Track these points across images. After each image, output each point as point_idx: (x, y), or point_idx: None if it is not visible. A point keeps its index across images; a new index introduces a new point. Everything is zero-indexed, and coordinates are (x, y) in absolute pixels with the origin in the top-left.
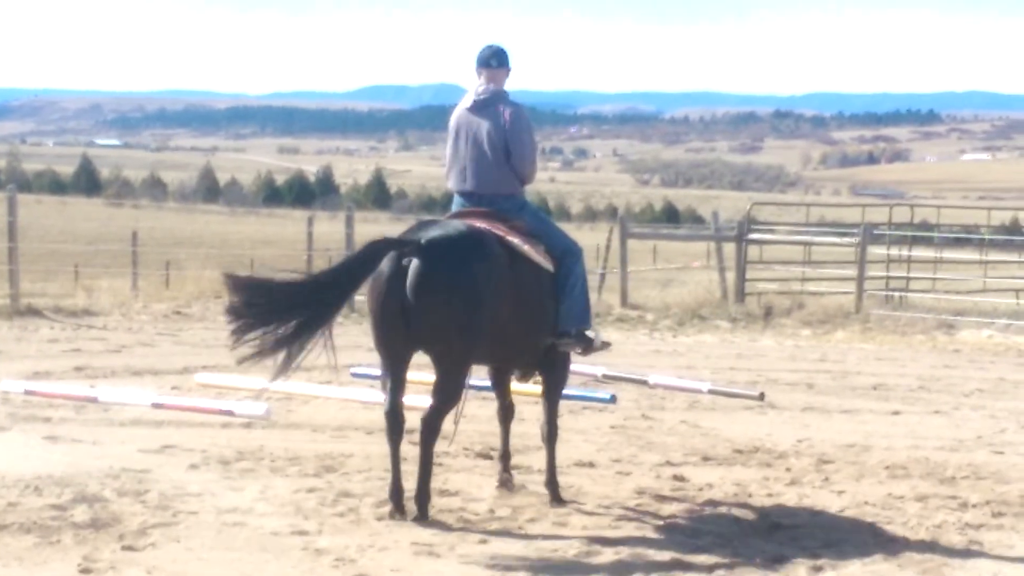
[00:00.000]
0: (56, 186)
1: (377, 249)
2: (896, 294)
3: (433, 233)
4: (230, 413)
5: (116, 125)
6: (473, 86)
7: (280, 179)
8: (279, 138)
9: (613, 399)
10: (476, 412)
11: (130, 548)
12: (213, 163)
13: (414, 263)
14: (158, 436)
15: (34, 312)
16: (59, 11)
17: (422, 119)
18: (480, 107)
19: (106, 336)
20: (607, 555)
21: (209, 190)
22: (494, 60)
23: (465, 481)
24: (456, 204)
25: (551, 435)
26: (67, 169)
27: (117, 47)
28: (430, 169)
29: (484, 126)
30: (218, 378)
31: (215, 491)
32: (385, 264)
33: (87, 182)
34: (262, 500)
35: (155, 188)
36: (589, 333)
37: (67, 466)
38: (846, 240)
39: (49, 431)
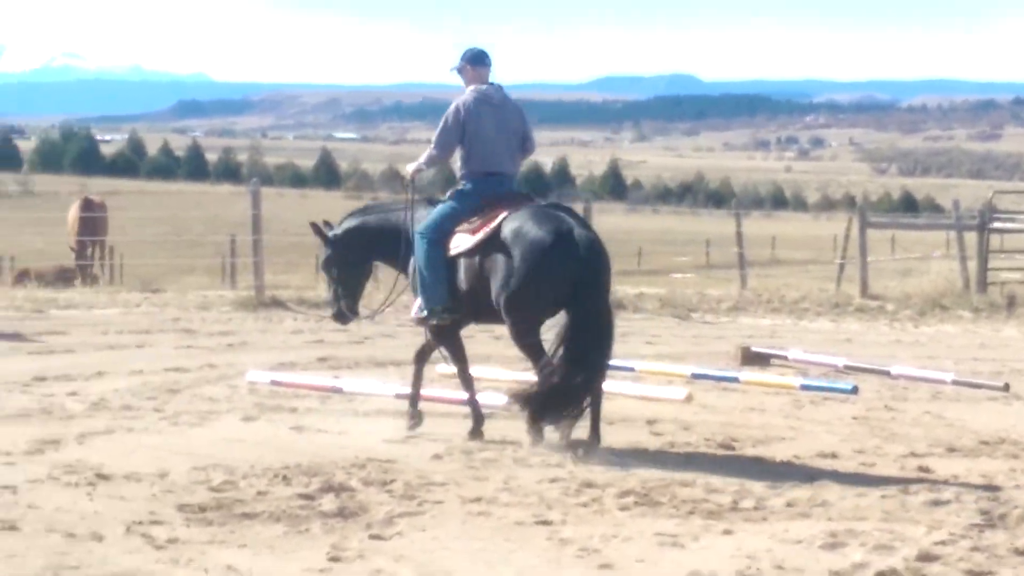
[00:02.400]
0: (296, 179)
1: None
2: None
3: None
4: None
5: (354, 119)
6: (472, 81)
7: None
8: None
9: (855, 390)
10: (716, 403)
11: (377, 537)
12: None
13: (594, 239)
14: (402, 426)
15: (278, 304)
16: (299, 8)
17: (656, 109)
18: (500, 101)
19: (349, 327)
20: (853, 546)
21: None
22: (487, 59)
23: (707, 471)
24: (485, 181)
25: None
26: (307, 162)
27: (356, 42)
28: (666, 160)
29: (510, 117)
30: None
31: (459, 481)
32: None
33: (326, 175)
34: (506, 490)
35: (393, 181)
36: None
37: (314, 456)
38: None
39: (295, 421)
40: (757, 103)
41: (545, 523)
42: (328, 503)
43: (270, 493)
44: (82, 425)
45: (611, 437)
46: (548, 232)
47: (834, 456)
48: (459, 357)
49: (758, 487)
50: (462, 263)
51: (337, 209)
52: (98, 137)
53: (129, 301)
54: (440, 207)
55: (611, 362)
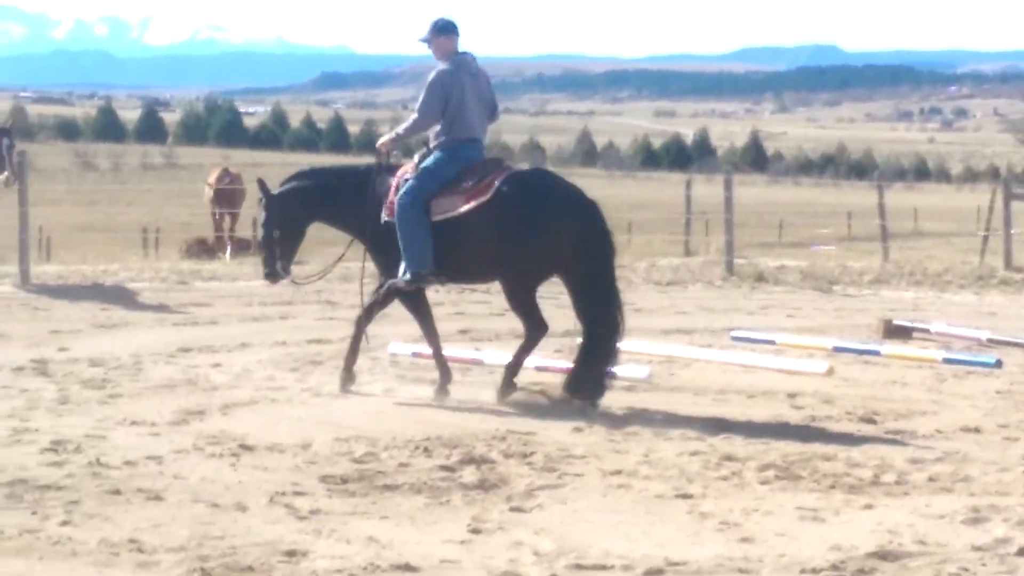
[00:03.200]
0: None
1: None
2: None
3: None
4: (612, 376)
5: (495, 90)
6: (442, 51)
7: (656, 142)
8: (655, 101)
9: (999, 363)
10: (857, 376)
11: (518, 509)
12: (590, 127)
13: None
14: (540, 399)
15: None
16: None
17: (798, 80)
18: (476, 70)
19: (489, 300)
20: (995, 521)
21: (587, 154)
22: (457, 29)
23: (848, 445)
24: (464, 147)
25: None
26: None
27: (494, 14)
28: (807, 131)
29: (483, 85)
30: None
31: (599, 454)
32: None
33: None
34: (646, 463)
35: (534, 152)
36: None
37: (454, 428)
38: None
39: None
40: (900, 74)
41: (685, 496)
42: (469, 475)
43: (411, 465)
44: (226, 396)
45: (752, 411)
46: (552, 195)
47: (977, 431)
48: (425, 315)
49: (899, 461)
50: (449, 227)
51: None
52: (241, 109)
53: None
54: (420, 173)
55: (753, 335)
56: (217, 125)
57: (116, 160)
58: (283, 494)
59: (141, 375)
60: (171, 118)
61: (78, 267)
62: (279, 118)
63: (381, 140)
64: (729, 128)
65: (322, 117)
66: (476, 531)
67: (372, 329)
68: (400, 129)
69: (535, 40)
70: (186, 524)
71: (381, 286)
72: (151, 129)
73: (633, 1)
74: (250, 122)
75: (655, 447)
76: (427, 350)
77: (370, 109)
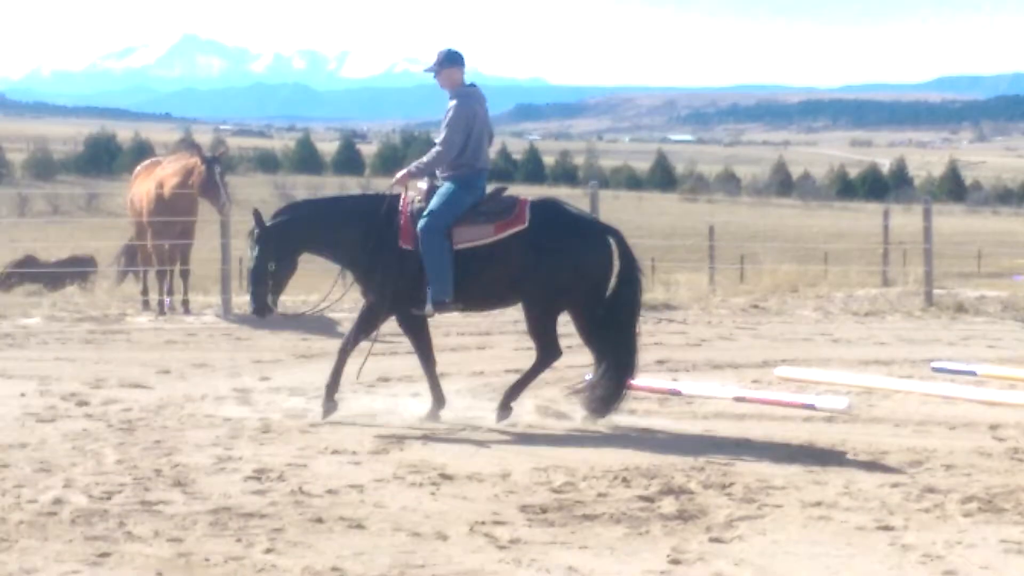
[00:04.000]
0: (632, 182)
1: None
2: None
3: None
4: (811, 407)
5: (690, 121)
6: (450, 82)
7: (852, 172)
8: (851, 131)
9: None
10: None
11: (717, 540)
12: (785, 157)
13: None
14: (740, 429)
15: None
16: (633, 11)
17: (997, 109)
18: (482, 99)
19: (686, 330)
20: None
21: (782, 184)
22: (463, 60)
23: None
24: (479, 177)
25: None
26: (642, 165)
27: (690, 45)
28: (1005, 160)
29: (487, 115)
30: (798, 372)
31: (799, 484)
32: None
33: (662, 177)
34: (846, 494)
35: (728, 183)
36: None
37: (653, 458)
38: None
39: (634, 423)
40: None
41: (886, 528)
42: (668, 505)
43: (610, 495)
44: (425, 425)
45: (953, 442)
46: (581, 222)
47: None
48: (425, 341)
49: None
50: (474, 255)
51: (673, 211)
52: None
53: None
54: (443, 201)
55: (954, 366)
56: (413, 157)
57: (314, 192)
58: (483, 523)
59: (341, 404)
60: (368, 150)
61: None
62: None
63: (402, 173)
64: (926, 158)
65: (517, 148)
66: (676, 562)
67: (568, 360)
68: (424, 161)
69: (730, 70)
70: (388, 553)
71: (371, 313)
72: (348, 161)
73: (828, 31)
74: None
75: (855, 478)
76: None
77: (565, 140)
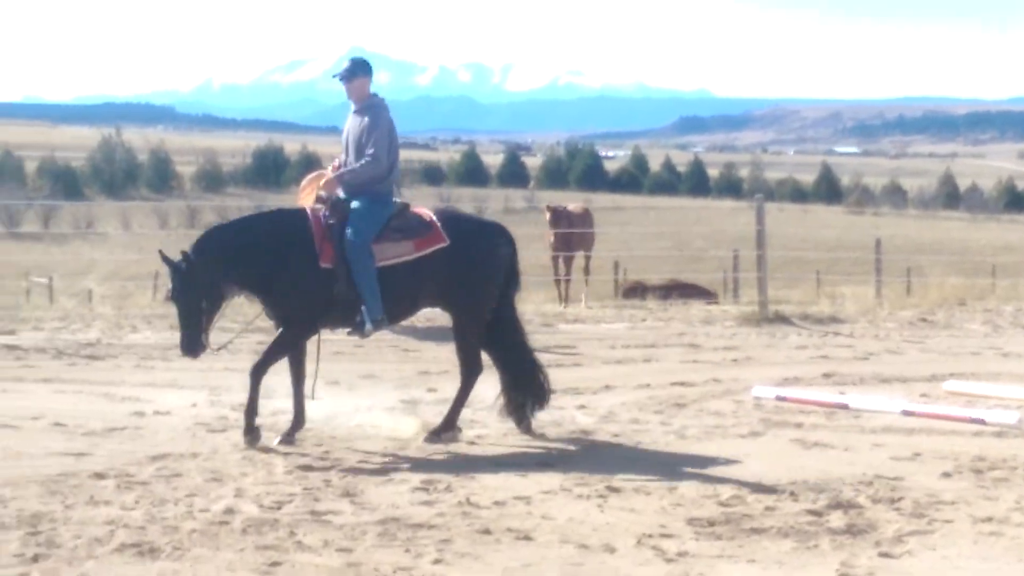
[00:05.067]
0: (797, 194)
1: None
2: None
3: None
4: (981, 422)
5: (855, 133)
6: (360, 92)
7: (1021, 184)
8: (1019, 143)
9: None
10: None
11: (887, 555)
12: (952, 169)
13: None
14: (909, 443)
15: (782, 319)
16: (798, 22)
17: None
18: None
19: (852, 343)
20: None
21: (949, 196)
22: (372, 70)
23: None
24: (388, 192)
25: None
26: (807, 177)
27: (856, 56)
28: None
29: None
30: (968, 386)
31: (969, 500)
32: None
33: (827, 190)
34: (1018, 510)
35: (894, 195)
36: None
37: (820, 472)
38: None
39: (800, 436)
40: None
41: None
42: (836, 519)
43: (778, 508)
44: (592, 438)
45: None
46: (499, 235)
47: None
48: (301, 360)
49: None
50: (391, 272)
51: (838, 224)
52: (602, 153)
53: (635, 316)
54: (363, 217)
55: None
56: (578, 169)
57: (480, 204)
58: (650, 536)
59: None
60: (533, 162)
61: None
62: (639, 162)
63: (326, 180)
64: None
65: (682, 160)
66: None
67: (735, 372)
68: (356, 170)
69: (896, 82)
70: (555, 565)
71: (292, 338)
72: (513, 174)
73: (996, 42)
74: (610, 166)
75: None
76: (792, 394)
77: (729, 152)
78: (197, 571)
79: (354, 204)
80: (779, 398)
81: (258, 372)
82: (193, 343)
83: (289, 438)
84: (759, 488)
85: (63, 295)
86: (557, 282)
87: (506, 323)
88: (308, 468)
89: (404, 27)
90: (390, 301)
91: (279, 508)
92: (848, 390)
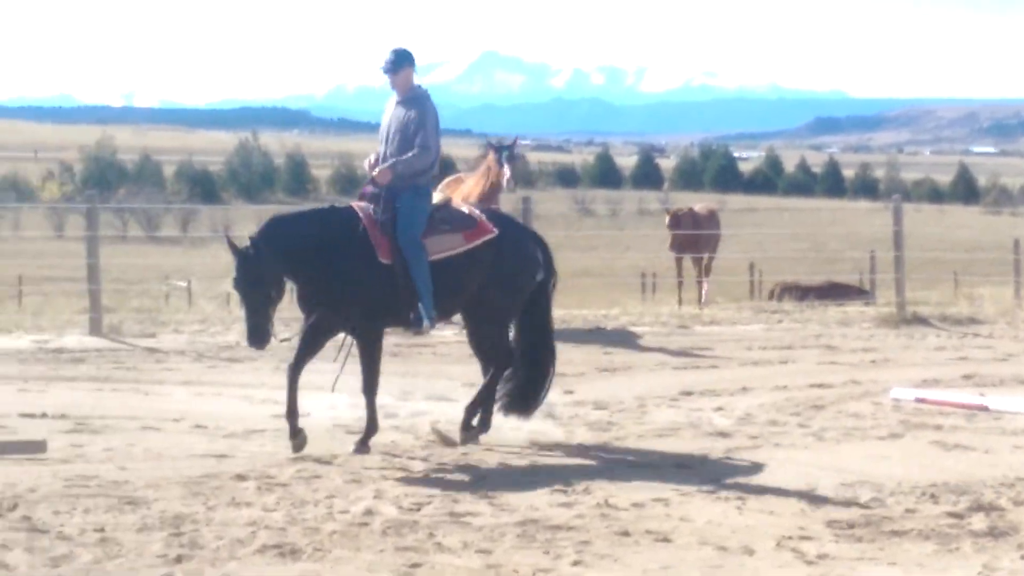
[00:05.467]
0: (934, 195)
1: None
2: None
3: None
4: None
5: (992, 132)
6: (408, 83)
7: None
8: None
9: None
10: None
11: None
12: None
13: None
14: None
15: (920, 320)
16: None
17: None
18: None
19: (992, 344)
20: None
21: None
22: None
23: None
24: (430, 185)
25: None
26: (944, 178)
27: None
28: None
29: None
30: None
31: None
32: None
33: (964, 190)
34: None
35: None
36: None
37: (960, 474)
38: None
39: (940, 438)
40: None
41: None
42: (978, 522)
43: (918, 511)
44: (729, 440)
45: None
46: (526, 229)
47: None
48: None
49: None
50: (447, 264)
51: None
52: (736, 155)
53: (771, 317)
54: (413, 211)
55: None
56: (712, 170)
57: (613, 206)
58: (790, 538)
59: (645, 418)
60: (667, 164)
61: (579, 311)
62: (773, 163)
63: (380, 170)
64: None
65: (816, 161)
66: None
67: (872, 374)
68: (407, 160)
69: None
70: (694, 567)
71: (367, 342)
72: (647, 175)
73: None
74: (745, 167)
75: None
76: (931, 395)
77: (864, 153)
78: (338, 572)
79: (402, 197)
80: (918, 400)
81: (372, 391)
82: (261, 334)
83: (363, 447)
84: (899, 490)
85: (202, 298)
86: (679, 284)
87: (538, 319)
88: (447, 470)
89: (538, 30)
90: (444, 295)
91: (418, 509)
92: (988, 392)
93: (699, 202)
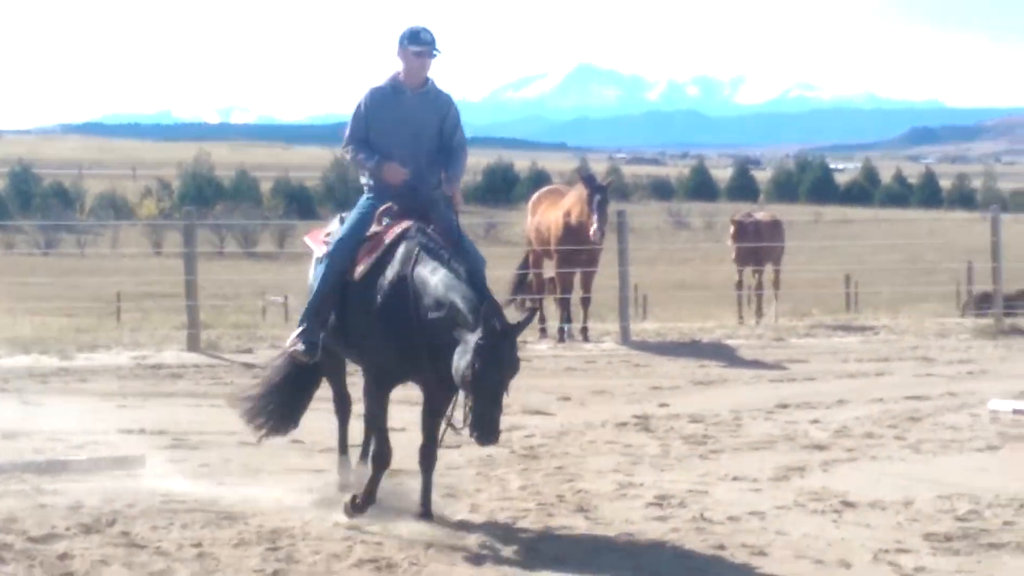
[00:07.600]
0: None
1: None
2: None
3: None
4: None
5: None
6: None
7: None
8: None
9: None
10: None
11: None
12: None
13: None
14: None
15: (1018, 331)
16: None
17: None
18: None
19: None
20: None
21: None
22: None
23: None
24: None
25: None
26: None
27: None
28: None
29: None
30: None
31: None
32: None
33: None
34: None
35: None
36: None
37: None
38: None
39: None
40: None
41: None
42: None
43: (1016, 523)
44: (826, 453)
45: None
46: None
47: None
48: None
49: None
50: None
51: None
52: (832, 166)
53: (867, 329)
54: (459, 227)
55: None
56: (808, 182)
57: (708, 219)
58: (887, 551)
59: (741, 431)
60: (762, 176)
61: (675, 324)
62: (870, 174)
63: (451, 187)
64: None
65: (913, 172)
66: None
67: (970, 386)
68: (460, 168)
69: None
70: None
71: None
72: (742, 187)
73: None
74: (841, 178)
75: None
76: None
77: (962, 163)
78: None
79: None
80: (1016, 411)
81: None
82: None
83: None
84: (996, 503)
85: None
86: (740, 297)
87: None
88: (542, 484)
89: (633, 42)
90: None
91: (514, 524)
92: None
93: (797, 214)
